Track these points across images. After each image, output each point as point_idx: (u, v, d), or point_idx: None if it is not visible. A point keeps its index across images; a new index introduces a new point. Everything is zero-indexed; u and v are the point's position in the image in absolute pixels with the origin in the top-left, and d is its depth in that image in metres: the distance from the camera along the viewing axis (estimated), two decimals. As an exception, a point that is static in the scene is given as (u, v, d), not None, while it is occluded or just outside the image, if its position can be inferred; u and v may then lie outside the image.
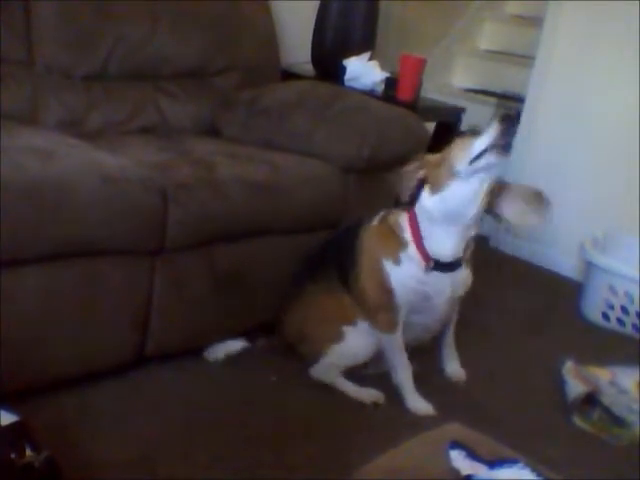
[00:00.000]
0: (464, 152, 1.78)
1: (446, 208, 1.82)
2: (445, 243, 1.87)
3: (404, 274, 1.89)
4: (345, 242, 2.03)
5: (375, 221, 1.99)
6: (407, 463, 1.10)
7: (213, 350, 2.07)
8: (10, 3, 2.22)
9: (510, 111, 1.77)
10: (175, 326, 1.99)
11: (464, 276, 1.97)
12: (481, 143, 1.75)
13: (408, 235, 1.88)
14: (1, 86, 2.17)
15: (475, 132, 1.80)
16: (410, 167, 1.90)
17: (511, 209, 1.91)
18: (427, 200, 1.85)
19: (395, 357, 1.99)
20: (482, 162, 1.76)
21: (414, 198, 1.87)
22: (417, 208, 1.87)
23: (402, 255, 1.89)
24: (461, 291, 1.99)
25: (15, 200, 1.57)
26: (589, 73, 3.19)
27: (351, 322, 1.99)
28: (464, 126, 1.83)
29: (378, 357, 2.05)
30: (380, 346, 2.01)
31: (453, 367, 2.20)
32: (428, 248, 1.87)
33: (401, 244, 1.89)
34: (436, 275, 1.89)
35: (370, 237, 1.96)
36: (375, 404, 1.99)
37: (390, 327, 1.95)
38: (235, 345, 2.10)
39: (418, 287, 1.90)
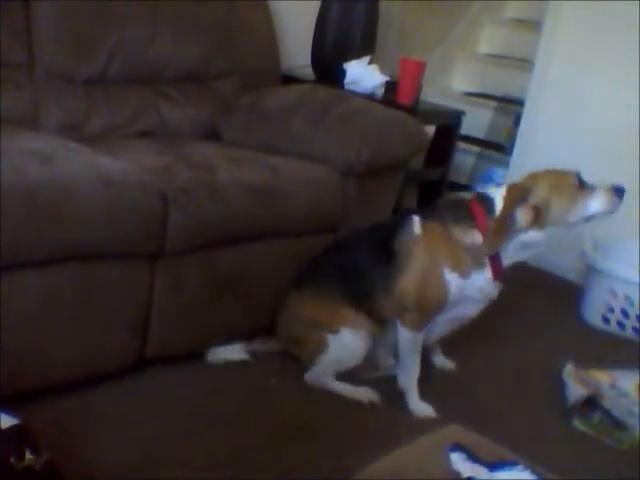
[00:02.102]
0: (577, 205, 1.90)
1: (542, 242, 1.94)
2: (516, 259, 1.96)
3: (468, 287, 1.94)
4: (367, 248, 2.03)
5: (417, 229, 1.97)
6: (408, 465, 1.10)
7: (214, 353, 2.07)
8: (10, 7, 2.23)
9: (621, 185, 1.95)
10: (175, 329, 1.99)
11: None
12: (598, 208, 1.91)
13: (486, 259, 1.92)
14: (1, 90, 2.17)
15: (582, 183, 1.92)
16: (515, 205, 1.88)
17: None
18: (526, 235, 1.90)
19: (410, 357, 2.01)
20: (592, 219, 1.95)
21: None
22: (513, 240, 1.90)
23: (474, 273, 1.93)
24: (497, 291, 2.03)
25: (15, 203, 1.58)
26: (588, 76, 3.20)
27: (334, 330, 2.00)
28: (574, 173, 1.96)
29: (373, 362, 2.06)
30: (370, 351, 2.03)
31: (439, 359, 2.27)
32: (504, 264, 1.94)
33: (477, 264, 1.92)
34: (490, 282, 1.95)
35: (429, 240, 1.95)
36: (371, 403, 1.99)
37: (419, 326, 1.98)
38: (235, 353, 2.10)
39: (474, 295, 1.96)
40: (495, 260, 1.92)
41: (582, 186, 1.92)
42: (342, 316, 2.00)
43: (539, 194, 1.88)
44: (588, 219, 1.94)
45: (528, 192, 1.88)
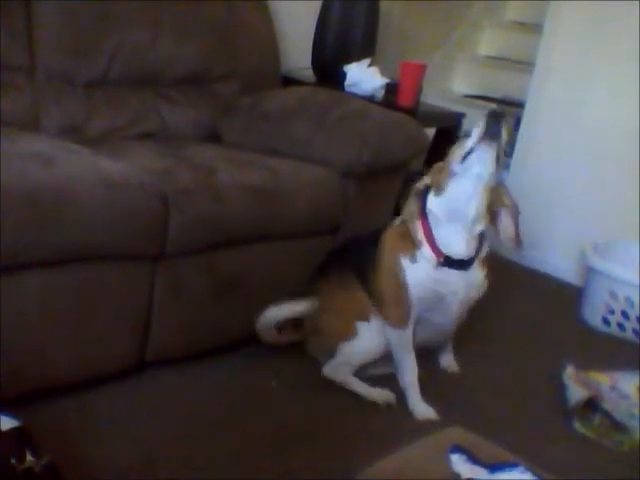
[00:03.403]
0: (459, 151, 1.88)
1: (448, 207, 1.91)
2: (453, 241, 1.92)
3: (419, 272, 1.94)
4: (367, 245, 2.07)
5: (396, 223, 2.04)
6: (408, 467, 1.10)
7: (265, 317, 2.07)
8: (11, 9, 2.23)
9: (497, 108, 1.84)
10: (176, 331, 2.00)
11: (479, 278, 2.00)
12: (471, 139, 1.85)
13: (421, 235, 1.94)
14: (2, 92, 2.17)
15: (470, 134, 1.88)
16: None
17: (501, 226, 1.99)
18: (432, 202, 1.93)
19: (402, 356, 2.01)
20: (473, 156, 1.84)
21: (423, 203, 1.96)
22: (428, 212, 1.94)
23: (417, 254, 1.94)
24: (475, 293, 2.02)
25: (16, 205, 1.58)
26: (589, 79, 3.20)
27: (365, 318, 2.02)
28: (463, 132, 1.89)
29: (387, 357, 2.06)
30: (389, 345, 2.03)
31: (447, 359, 2.28)
32: (441, 247, 1.92)
33: (416, 244, 1.95)
34: (449, 274, 1.93)
35: (390, 237, 2.02)
36: (388, 404, 2.00)
37: (401, 322, 1.98)
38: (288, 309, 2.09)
39: (432, 285, 1.95)
40: (427, 235, 1.93)
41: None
42: (370, 306, 2.02)
43: (435, 166, 2.00)
44: (474, 159, 1.84)
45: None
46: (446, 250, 1.92)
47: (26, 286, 1.67)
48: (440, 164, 1.97)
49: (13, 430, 1.34)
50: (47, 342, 1.75)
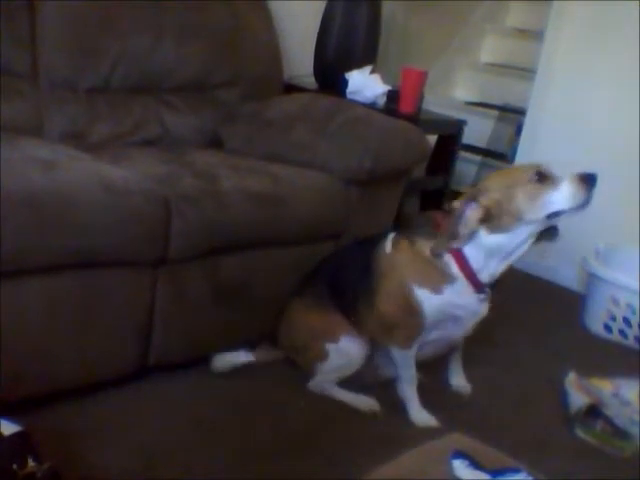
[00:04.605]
0: (535, 202, 1.75)
1: (509, 246, 1.81)
2: (495, 271, 1.86)
3: (445, 302, 1.87)
4: (350, 268, 2.01)
5: (388, 246, 1.95)
6: (409, 472, 1.10)
7: (218, 360, 2.07)
8: (15, 15, 2.24)
9: (591, 172, 1.73)
10: (177, 337, 2.00)
11: (489, 293, 1.96)
12: (563, 202, 1.74)
13: (456, 270, 1.84)
14: (5, 98, 2.18)
15: (543, 177, 1.75)
16: (465, 204, 1.80)
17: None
18: (489, 238, 1.80)
19: (405, 371, 2.00)
20: (560, 216, 1.77)
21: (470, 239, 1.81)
22: (471, 247, 1.82)
23: (446, 287, 1.86)
24: (486, 308, 1.98)
25: (18, 210, 1.58)
26: (590, 85, 3.20)
27: (334, 340, 2.00)
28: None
29: (375, 367, 2.06)
30: (368, 357, 2.02)
31: (459, 381, 2.21)
32: (483, 277, 1.86)
33: (446, 278, 1.85)
34: (470, 297, 1.88)
35: (396, 264, 1.92)
36: (373, 413, 2.00)
37: (406, 344, 1.95)
38: (240, 356, 2.09)
39: (452, 310, 1.90)
40: (467, 270, 1.84)
41: (542, 180, 1.75)
42: (340, 325, 2.00)
43: (490, 194, 1.78)
44: (554, 216, 1.77)
45: (478, 192, 1.79)
46: (484, 279, 1.86)
47: (28, 291, 1.68)
48: (494, 196, 1.78)
49: (15, 435, 1.35)
50: (49, 347, 1.75)
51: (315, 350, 2.02)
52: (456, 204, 1.80)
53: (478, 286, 1.86)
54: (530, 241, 1.83)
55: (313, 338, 2.03)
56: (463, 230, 1.78)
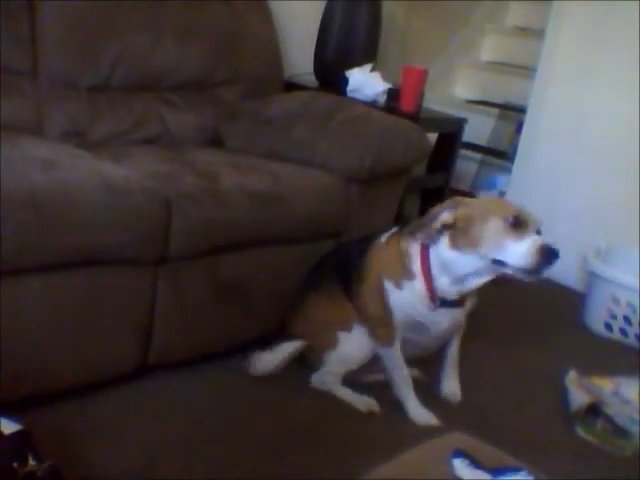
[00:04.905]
0: (494, 242, 1.74)
1: (459, 268, 1.82)
2: (448, 289, 1.86)
3: (403, 300, 1.90)
4: (353, 255, 2.04)
5: (383, 239, 1.98)
6: (410, 471, 1.10)
7: (257, 360, 2.05)
8: (15, 14, 2.24)
9: (555, 248, 1.70)
10: (178, 335, 2.00)
11: (462, 313, 1.97)
12: (513, 256, 1.72)
13: (417, 268, 1.86)
14: (6, 97, 2.18)
15: (517, 223, 1.73)
16: (446, 206, 1.81)
17: None
18: (446, 251, 1.81)
19: (393, 371, 2.00)
20: (507, 269, 1.76)
21: (433, 239, 1.83)
22: (433, 250, 1.84)
23: (405, 283, 1.89)
24: (458, 326, 2.00)
25: (18, 209, 1.58)
26: (590, 84, 3.20)
27: (347, 327, 2.01)
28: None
29: (374, 366, 2.06)
30: (372, 355, 2.02)
31: (450, 387, 2.15)
32: (437, 288, 1.86)
33: (407, 273, 1.88)
34: (429, 306, 1.89)
35: (377, 256, 1.97)
36: (371, 413, 2.00)
37: (387, 341, 1.96)
38: (278, 354, 2.06)
39: (415, 315, 1.91)
40: (425, 270, 1.84)
41: (515, 227, 1.72)
42: (353, 314, 2.01)
43: (468, 209, 1.79)
44: (499, 264, 1.75)
45: (462, 203, 1.81)
46: (441, 291, 1.85)
47: (28, 290, 1.67)
48: (469, 214, 1.78)
49: (15, 434, 1.35)
50: (49, 346, 1.75)
51: (326, 338, 2.03)
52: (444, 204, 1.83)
53: (431, 293, 1.86)
54: (483, 277, 1.82)
55: (326, 326, 2.04)
56: (432, 226, 1.80)
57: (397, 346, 1.97)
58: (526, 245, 1.71)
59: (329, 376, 2.06)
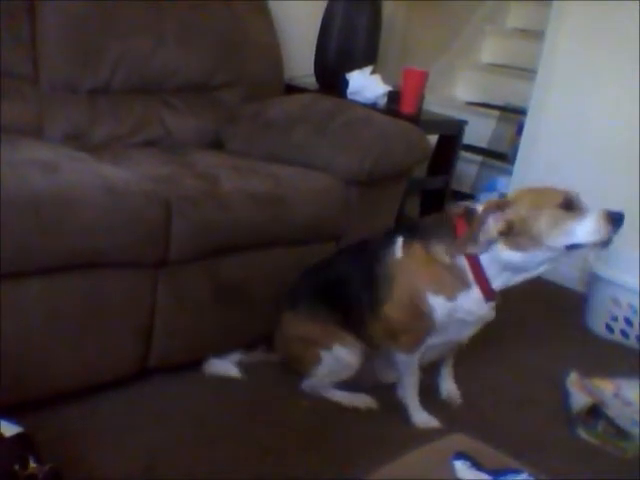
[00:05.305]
0: (558, 230, 1.71)
1: (523, 265, 1.79)
2: (508, 282, 1.85)
3: (458, 308, 1.85)
4: (354, 275, 1.97)
5: (398, 251, 1.89)
6: (411, 473, 1.10)
7: (210, 365, 2.07)
8: (16, 17, 2.24)
9: (619, 211, 1.70)
10: (178, 338, 2.00)
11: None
12: (585, 236, 1.70)
13: (471, 277, 1.82)
14: (6, 100, 2.18)
15: (571, 205, 1.72)
16: (490, 212, 1.75)
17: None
18: (508, 254, 1.77)
19: (407, 375, 1.99)
20: (579, 249, 1.74)
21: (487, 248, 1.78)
22: (486, 256, 1.79)
23: (460, 294, 1.84)
24: (492, 311, 1.97)
25: (19, 212, 1.58)
26: (591, 85, 3.20)
27: (328, 347, 1.98)
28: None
29: (373, 373, 2.05)
30: (365, 363, 2.01)
31: (449, 387, 2.17)
32: (495, 286, 1.84)
33: (461, 284, 1.83)
34: (483, 304, 1.87)
35: (405, 272, 1.88)
36: (369, 409, 2.00)
37: (412, 349, 1.93)
38: (229, 368, 2.09)
39: (466, 317, 1.89)
40: (481, 278, 1.81)
41: (570, 209, 1.72)
42: (335, 334, 1.98)
43: (516, 209, 1.74)
44: (573, 247, 1.73)
45: (506, 204, 1.75)
46: (495, 288, 1.84)
47: (28, 293, 1.68)
48: (522, 214, 1.73)
49: (16, 436, 1.35)
50: (50, 349, 1.75)
51: (309, 356, 2.01)
52: (480, 210, 1.77)
53: (490, 294, 1.85)
54: (547, 265, 1.80)
55: (307, 347, 2.02)
56: (482, 238, 1.75)
57: (417, 355, 1.95)
58: (593, 220, 1.70)
59: (318, 385, 2.05)
